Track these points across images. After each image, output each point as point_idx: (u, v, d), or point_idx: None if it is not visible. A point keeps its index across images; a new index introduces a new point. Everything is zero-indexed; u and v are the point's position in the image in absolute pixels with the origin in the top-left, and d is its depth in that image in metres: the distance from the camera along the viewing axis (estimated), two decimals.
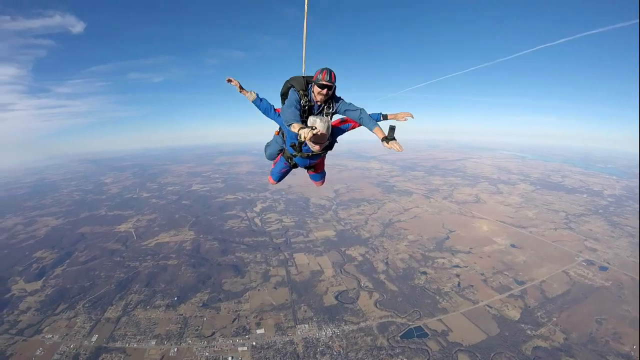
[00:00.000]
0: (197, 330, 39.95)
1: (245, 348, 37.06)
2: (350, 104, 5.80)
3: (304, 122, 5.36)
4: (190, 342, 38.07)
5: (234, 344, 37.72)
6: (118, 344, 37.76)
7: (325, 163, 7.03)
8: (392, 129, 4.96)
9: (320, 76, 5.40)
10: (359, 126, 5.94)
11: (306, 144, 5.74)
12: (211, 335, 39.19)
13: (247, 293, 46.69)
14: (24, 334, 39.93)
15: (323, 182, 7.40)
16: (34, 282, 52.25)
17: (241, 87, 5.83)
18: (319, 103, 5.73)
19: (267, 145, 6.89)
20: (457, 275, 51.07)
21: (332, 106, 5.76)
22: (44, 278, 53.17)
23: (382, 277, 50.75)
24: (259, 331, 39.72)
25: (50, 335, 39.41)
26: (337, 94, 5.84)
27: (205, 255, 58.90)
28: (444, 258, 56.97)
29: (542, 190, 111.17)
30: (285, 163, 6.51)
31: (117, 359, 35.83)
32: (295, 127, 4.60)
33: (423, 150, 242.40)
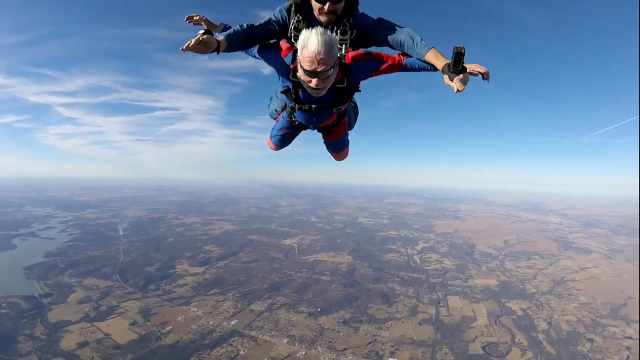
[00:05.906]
0: (330, 342, 37.64)
1: None
2: (382, 20, 3.06)
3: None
4: (320, 350, 35.59)
5: None
6: (253, 333, 38.47)
7: (344, 128, 4.39)
8: (459, 54, 2.46)
9: None
10: (399, 64, 2.99)
11: (304, 90, 3.01)
12: (342, 350, 35.79)
13: (390, 322, 43.20)
14: (173, 302, 44.91)
15: (344, 155, 4.90)
16: (197, 267, 60.36)
17: (209, 23, 3.69)
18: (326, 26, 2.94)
19: (270, 98, 4.61)
20: (628, 348, 40.93)
21: (348, 29, 3.02)
22: (206, 266, 61.12)
23: (541, 336, 41.99)
24: None
25: (196, 310, 43.16)
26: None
27: (357, 279, 58.62)
28: (616, 327, 45.54)
29: None
30: (287, 120, 4.11)
31: (247, 344, 36.36)
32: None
33: (609, 207, 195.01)
